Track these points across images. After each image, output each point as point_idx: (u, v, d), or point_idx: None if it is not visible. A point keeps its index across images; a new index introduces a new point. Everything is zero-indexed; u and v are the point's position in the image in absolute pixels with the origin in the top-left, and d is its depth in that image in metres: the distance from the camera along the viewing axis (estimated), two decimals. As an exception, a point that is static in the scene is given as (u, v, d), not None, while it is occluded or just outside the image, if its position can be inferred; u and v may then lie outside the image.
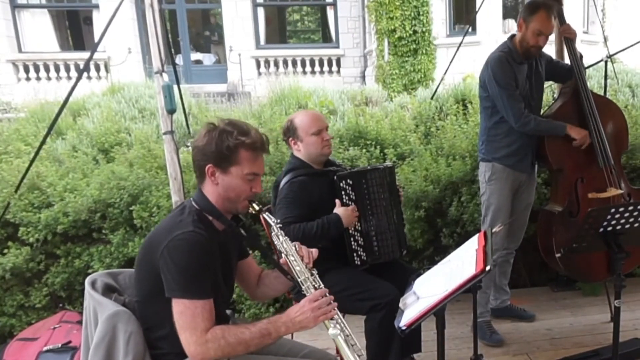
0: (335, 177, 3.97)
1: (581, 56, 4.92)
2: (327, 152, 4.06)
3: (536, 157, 4.88)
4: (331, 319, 2.72)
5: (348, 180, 3.99)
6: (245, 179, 2.78)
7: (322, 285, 2.84)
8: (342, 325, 2.75)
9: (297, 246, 2.92)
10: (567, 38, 4.89)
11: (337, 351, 3.98)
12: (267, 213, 2.92)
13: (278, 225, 2.91)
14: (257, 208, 2.87)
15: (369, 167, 4.18)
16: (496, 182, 4.76)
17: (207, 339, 2.55)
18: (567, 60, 4.99)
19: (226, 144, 2.71)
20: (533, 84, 4.77)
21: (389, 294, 3.71)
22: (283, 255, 2.91)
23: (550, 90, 7.94)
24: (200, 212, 2.80)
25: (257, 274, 3.26)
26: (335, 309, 2.76)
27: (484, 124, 4.87)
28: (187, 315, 2.56)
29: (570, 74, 4.89)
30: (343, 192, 3.98)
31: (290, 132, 4.01)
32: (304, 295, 2.78)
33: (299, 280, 2.84)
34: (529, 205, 5.03)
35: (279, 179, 4.11)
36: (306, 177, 3.96)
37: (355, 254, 4.04)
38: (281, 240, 2.90)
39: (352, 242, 4.03)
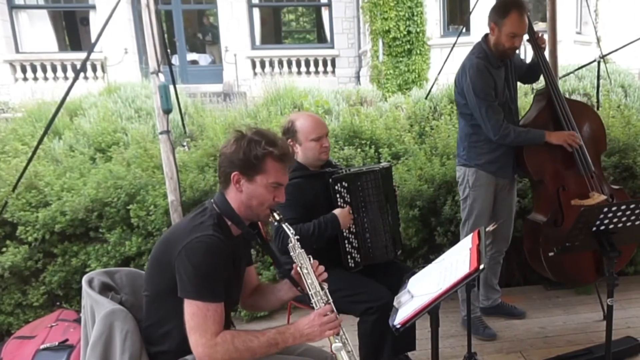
0: (330, 180, 3.96)
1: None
2: (324, 158, 4.05)
3: (516, 168, 4.85)
4: (337, 334, 2.78)
5: (343, 183, 3.98)
6: (269, 188, 2.82)
7: (331, 301, 2.87)
8: (346, 340, 2.81)
9: (311, 260, 2.95)
10: (538, 46, 4.82)
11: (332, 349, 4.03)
12: (286, 224, 2.94)
13: (296, 237, 2.94)
14: (277, 217, 2.91)
15: (364, 169, 4.17)
16: (480, 188, 4.74)
17: (216, 342, 2.58)
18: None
19: (254, 153, 2.74)
20: (511, 85, 4.74)
21: (382, 297, 3.71)
22: (297, 267, 2.95)
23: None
24: (220, 216, 2.83)
25: (254, 283, 3.29)
26: (341, 324, 2.81)
27: (463, 130, 4.81)
28: (198, 317, 2.59)
29: (537, 71, 4.87)
30: (338, 195, 3.97)
31: (290, 133, 3.99)
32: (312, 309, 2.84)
33: (309, 293, 2.88)
34: (512, 206, 5.04)
35: None
36: (301, 179, 3.94)
37: (349, 256, 4.04)
38: (297, 253, 2.92)
39: (347, 245, 4.03)
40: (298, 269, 2.95)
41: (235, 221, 2.85)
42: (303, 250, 2.94)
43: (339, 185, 3.97)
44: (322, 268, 3.01)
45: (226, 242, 2.73)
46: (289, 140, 4.00)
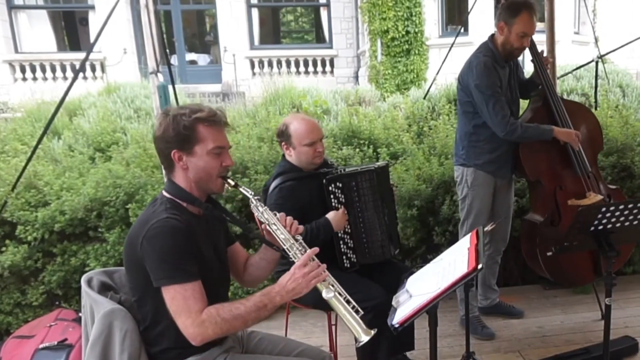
0: (324, 181, 3.93)
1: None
2: (318, 162, 4.02)
3: (513, 169, 4.86)
4: (323, 281, 2.72)
5: (337, 183, 3.94)
6: (212, 155, 2.76)
7: (309, 250, 2.81)
8: (336, 286, 2.74)
9: (278, 215, 2.92)
10: (543, 67, 4.81)
11: (331, 348, 4.02)
12: (243, 187, 2.90)
13: (256, 197, 2.91)
14: (232, 183, 2.86)
15: (359, 169, 4.11)
16: (479, 187, 4.74)
17: (203, 319, 2.56)
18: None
19: (182, 124, 2.68)
20: (513, 87, 4.75)
21: (376, 297, 3.69)
22: (266, 226, 2.91)
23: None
24: (173, 200, 2.78)
25: (244, 259, 3.23)
26: (326, 270, 2.75)
27: (463, 128, 4.80)
28: (178, 300, 2.56)
29: (534, 87, 4.89)
30: (332, 196, 3.94)
31: (284, 136, 3.98)
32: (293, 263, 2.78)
33: (284, 247, 2.84)
34: (510, 206, 5.05)
35: (268, 183, 4.08)
36: (295, 181, 3.93)
37: (344, 257, 4.01)
38: (261, 211, 2.89)
39: (342, 245, 3.99)
40: (267, 227, 2.91)
41: (188, 201, 2.81)
42: (266, 207, 2.92)
43: (332, 185, 3.94)
44: (290, 219, 2.96)
45: (184, 220, 2.69)
46: (283, 143, 4.02)
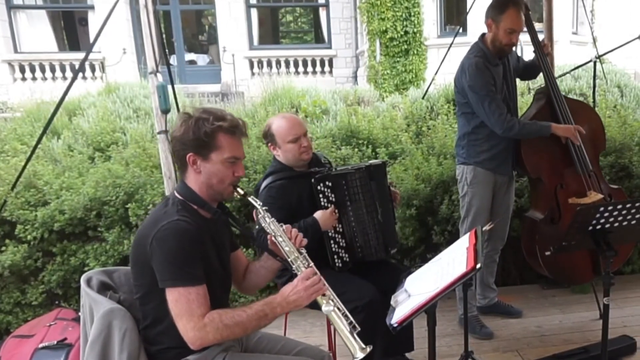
0: (312, 180, 3.92)
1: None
2: (306, 158, 4.00)
3: (515, 166, 4.90)
4: (323, 295, 2.75)
5: (327, 183, 3.93)
6: (227, 164, 2.78)
7: (311, 264, 2.85)
8: (335, 300, 2.77)
9: (284, 227, 2.94)
10: (539, 45, 4.85)
11: (330, 347, 4.03)
12: (252, 197, 2.94)
13: (264, 208, 2.94)
14: (242, 192, 2.88)
15: (349, 168, 4.11)
16: (478, 185, 4.77)
17: (204, 324, 2.57)
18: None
19: (203, 130, 2.71)
20: (509, 83, 4.77)
21: (366, 295, 3.69)
22: (272, 237, 2.94)
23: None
24: (184, 202, 2.81)
25: (245, 266, 3.25)
26: (327, 284, 2.78)
27: (463, 129, 4.84)
28: (182, 303, 2.58)
29: (536, 69, 4.95)
30: (321, 195, 3.92)
31: (268, 137, 3.99)
32: (295, 275, 2.81)
33: (288, 259, 2.87)
34: (509, 205, 5.07)
35: (259, 183, 4.09)
36: (285, 181, 3.92)
37: (336, 257, 3.98)
38: (268, 222, 2.92)
39: (333, 245, 3.97)
40: (273, 238, 2.94)
41: (199, 204, 2.83)
42: (274, 219, 2.94)
43: (321, 185, 3.92)
44: (295, 231, 2.98)
45: (196, 224, 2.72)
46: (269, 144, 4.03)
